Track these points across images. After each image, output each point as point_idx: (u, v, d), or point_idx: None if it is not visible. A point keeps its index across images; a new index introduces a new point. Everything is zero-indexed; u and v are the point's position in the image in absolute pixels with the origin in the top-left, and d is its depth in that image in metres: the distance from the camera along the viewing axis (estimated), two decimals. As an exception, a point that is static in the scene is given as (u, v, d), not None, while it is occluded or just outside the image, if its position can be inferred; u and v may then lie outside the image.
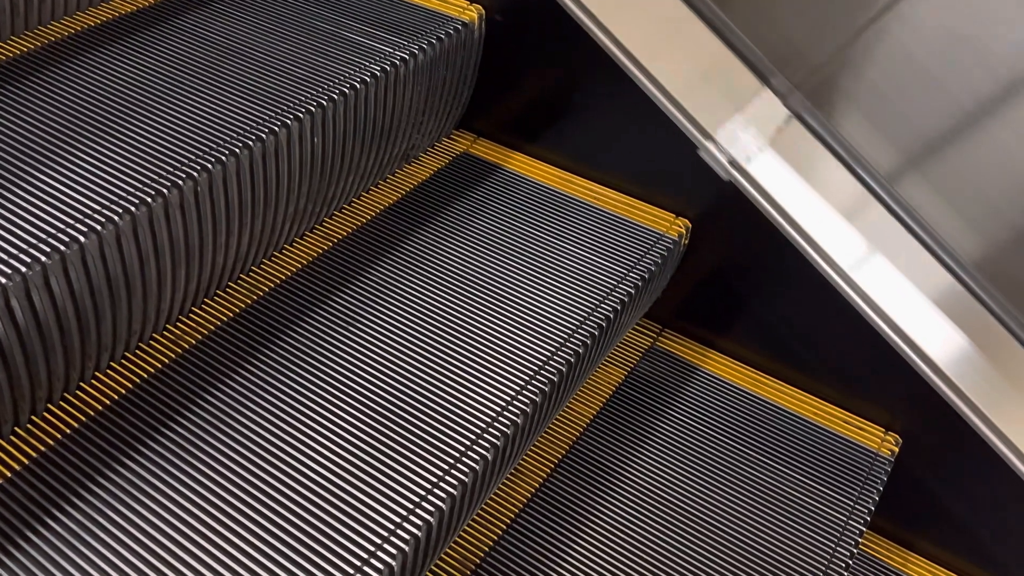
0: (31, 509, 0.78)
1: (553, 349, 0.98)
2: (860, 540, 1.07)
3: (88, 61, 0.98)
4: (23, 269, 0.73)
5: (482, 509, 1.05)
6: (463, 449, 0.86)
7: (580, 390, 1.21)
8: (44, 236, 0.76)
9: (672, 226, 1.20)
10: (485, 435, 0.88)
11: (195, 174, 0.84)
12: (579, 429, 1.17)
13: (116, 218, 0.78)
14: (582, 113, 1.23)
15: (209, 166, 0.86)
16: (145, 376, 0.90)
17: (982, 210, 1.44)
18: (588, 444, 1.15)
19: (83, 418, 0.85)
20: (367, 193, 1.19)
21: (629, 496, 1.09)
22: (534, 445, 1.13)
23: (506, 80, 1.27)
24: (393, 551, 0.77)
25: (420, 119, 1.18)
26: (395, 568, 0.76)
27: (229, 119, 0.92)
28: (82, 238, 0.76)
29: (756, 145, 1.09)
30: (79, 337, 0.81)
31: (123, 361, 0.91)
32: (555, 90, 1.24)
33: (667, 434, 1.17)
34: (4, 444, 0.83)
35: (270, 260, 1.06)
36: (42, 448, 0.83)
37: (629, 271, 1.11)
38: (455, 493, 0.82)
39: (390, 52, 1.06)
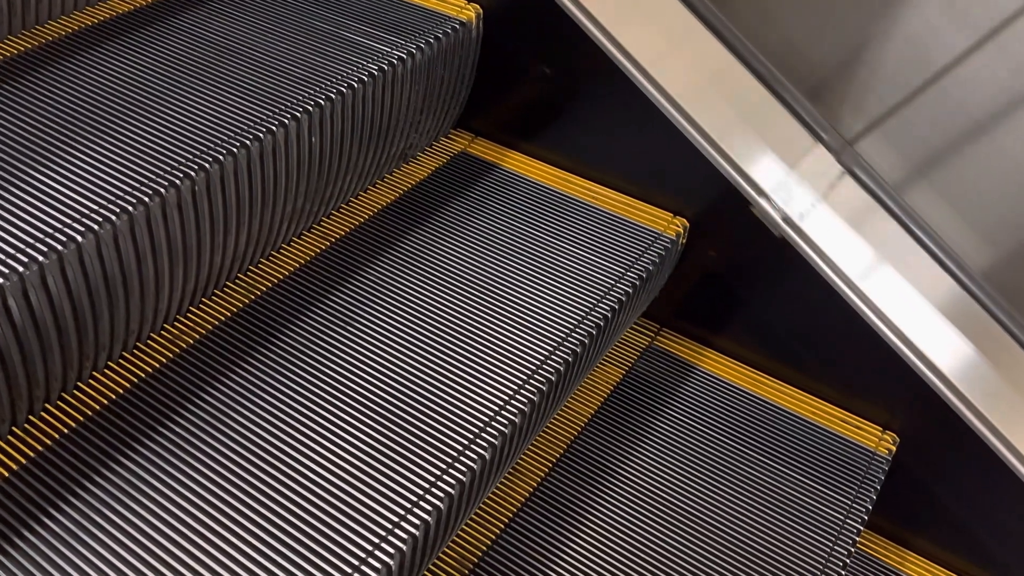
0: (29, 509, 0.77)
1: (551, 349, 0.98)
2: (857, 539, 1.08)
3: (86, 60, 0.98)
4: (20, 268, 0.73)
5: (480, 508, 1.05)
6: (461, 448, 0.86)
7: (578, 389, 1.21)
8: (41, 235, 0.76)
9: (670, 225, 1.20)
10: (483, 434, 0.88)
11: (192, 173, 0.84)
12: (577, 428, 1.17)
13: (113, 217, 0.78)
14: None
15: (206, 165, 0.86)
16: (143, 376, 0.90)
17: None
18: (586, 443, 1.15)
19: (80, 418, 0.85)
20: (365, 193, 1.19)
21: (627, 495, 1.09)
22: (532, 444, 1.13)
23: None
24: (391, 550, 0.77)
25: (418, 118, 1.18)
26: (393, 567, 0.76)
27: (226, 118, 0.92)
28: (79, 237, 0.76)
29: (810, 202, 1.10)
30: (77, 336, 0.81)
31: (121, 360, 0.91)
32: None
33: (665, 433, 1.17)
34: (2, 444, 0.82)
35: (268, 260, 1.06)
36: (39, 448, 0.83)
37: (627, 270, 1.11)
38: (453, 492, 0.82)
39: (388, 51, 1.06)
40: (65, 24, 1.04)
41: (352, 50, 1.05)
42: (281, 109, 0.94)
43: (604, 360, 1.27)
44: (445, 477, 0.83)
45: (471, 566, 1.00)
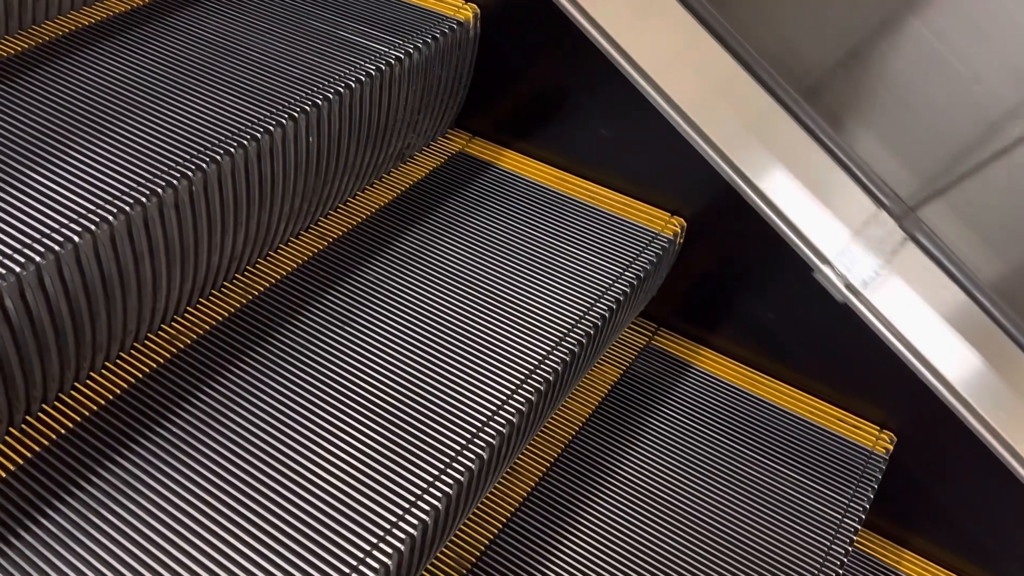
0: (26, 509, 0.77)
1: (548, 348, 0.98)
2: (855, 537, 1.08)
3: (83, 60, 0.98)
4: (17, 269, 0.73)
5: (478, 507, 1.05)
6: (459, 448, 0.86)
7: (576, 389, 1.21)
8: (38, 236, 0.76)
9: (667, 225, 1.20)
10: (481, 434, 0.88)
11: (190, 174, 0.84)
12: (575, 427, 1.17)
13: (111, 218, 0.78)
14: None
15: (204, 166, 0.86)
16: (140, 376, 0.90)
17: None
18: (584, 442, 1.15)
19: (78, 418, 0.85)
20: (362, 192, 1.19)
21: (625, 494, 1.09)
22: (530, 444, 1.13)
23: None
24: (389, 549, 0.77)
25: (415, 118, 1.18)
26: (391, 566, 0.76)
27: (223, 118, 0.92)
28: (77, 238, 0.76)
29: (873, 269, 1.10)
30: (74, 337, 0.81)
31: (118, 361, 0.91)
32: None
33: (663, 432, 1.17)
34: (-1, 444, 0.83)
35: (265, 260, 1.06)
36: (36, 448, 0.83)
37: (624, 270, 1.11)
38: (451, 492, 0.82)
39: (385, 51, 1.06)
40: (62, 24, 1.04)
41: (349, 50, 1.05)
42: (278, 109, 0.94)
43: (602, 359, 1.27)
44: (443, 477, 0.83)
45: (469, 565, 1.00)
